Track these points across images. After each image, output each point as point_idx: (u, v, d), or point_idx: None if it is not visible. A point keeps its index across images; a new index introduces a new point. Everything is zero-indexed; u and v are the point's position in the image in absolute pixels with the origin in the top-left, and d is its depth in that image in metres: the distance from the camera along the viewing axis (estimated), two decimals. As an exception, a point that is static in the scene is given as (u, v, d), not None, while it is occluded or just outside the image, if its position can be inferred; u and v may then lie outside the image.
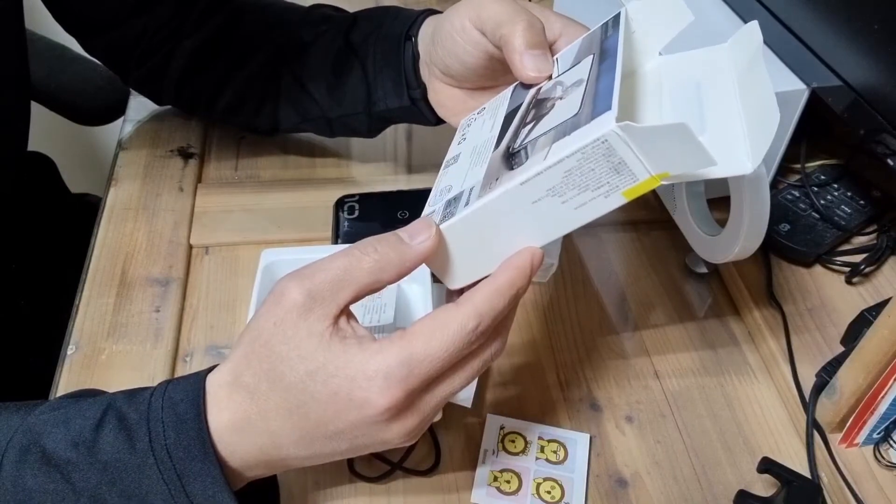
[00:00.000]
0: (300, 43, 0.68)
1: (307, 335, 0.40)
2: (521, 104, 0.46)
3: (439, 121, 0.62)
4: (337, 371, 0.39)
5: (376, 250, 0.41)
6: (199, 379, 0.42)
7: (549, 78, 0.47)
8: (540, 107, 0.44)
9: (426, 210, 0.45)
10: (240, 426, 0.41)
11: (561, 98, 0.42)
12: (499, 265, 0.41)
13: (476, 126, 0.50)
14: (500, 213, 0.40)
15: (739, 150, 0.40)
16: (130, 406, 0.42)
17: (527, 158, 0.39)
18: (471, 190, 0.42)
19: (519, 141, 0.42)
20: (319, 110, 0.68)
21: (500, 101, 0.49)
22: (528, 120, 0.43)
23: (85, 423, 0.42)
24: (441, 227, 0.42)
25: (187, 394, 0.42)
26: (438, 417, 0.52)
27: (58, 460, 0.41)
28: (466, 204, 0.41)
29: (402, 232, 0.42)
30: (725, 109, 0.42)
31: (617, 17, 0.45)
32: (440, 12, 0.59)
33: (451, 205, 0.42)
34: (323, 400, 0.40)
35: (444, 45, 0.54)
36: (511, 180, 0.39)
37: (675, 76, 0.46)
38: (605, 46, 0.44)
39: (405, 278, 0.42)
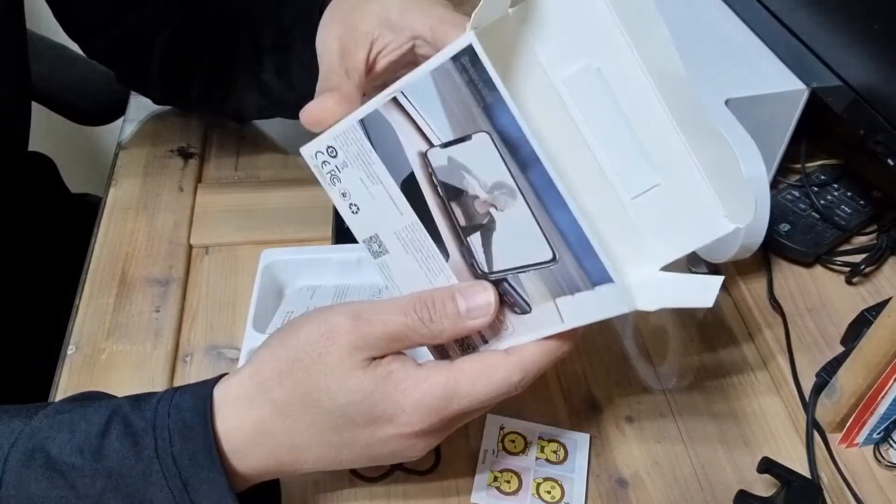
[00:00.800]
0: (252, 28, 0.67)
1: (351, 369, 0.41)
2: (416, 174, 0.41)
3: None
4: (384, 398, 0.41)
5: (432, 320, 0.41)
6: (207, 388, 0.43)
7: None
8: (464, 206, 0.41)
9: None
10: (258, 438, 0.42)
11: (494, 207, 0.39)
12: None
13: (351, 180, 0.43)
14: None
15: (712, 207, 0.38)
16: (136, 413, 0.42)
17: (530, 308, 0.41)
18: None
19: (483, 262, 0.41)
20: (276, 96, 0.68)
21: (361, 152, 0.42)
22: (463, 223, 0.41)
23: (90, 428, 0.41)
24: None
25: (195, 401, 0.42)
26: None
27: (62, 466, 0.41)
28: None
29: (461, 302, 0.41)
30: (669, 145, 0.38)
31: (475, 57, 0.36)
32: None
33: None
34: (362, 423, 0.41)
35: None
36: (529, 334, 0.42)
37: (579, 90, 0.39)
38: (498, 124, 0.37)
39: None
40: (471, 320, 0.41)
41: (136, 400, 0.43)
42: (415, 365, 0.42)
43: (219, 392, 0.42)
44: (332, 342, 0.41)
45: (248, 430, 0.42)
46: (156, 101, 0.78)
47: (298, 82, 0.66)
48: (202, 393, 0.42)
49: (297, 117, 0.69)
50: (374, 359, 0.41)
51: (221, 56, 0.69)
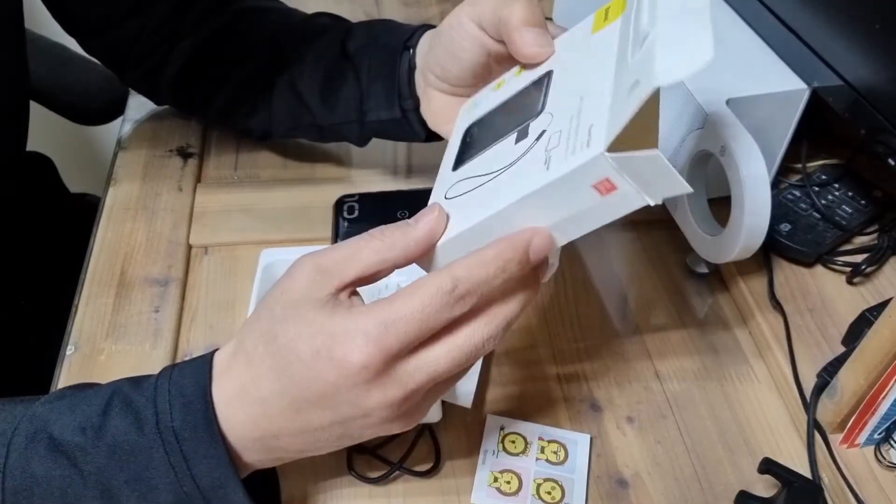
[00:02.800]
0: (297, 50, 0.67)
1: (307, 300, 0.41)
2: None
3: (429, 136, 0.62)
4: (322, 329, 0.40)
5: (383, 233, 0.42)
6: (205, 360, 0.43)
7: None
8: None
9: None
10: (234, 396, 0.42)
11: None
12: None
13: None
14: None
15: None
16: (136, 391, 0.43)
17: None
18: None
19: None
20: (312, 117, 0.68)
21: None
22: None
23: (91, 409, 0.42)
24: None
25: (193, 375, 0.42)
26: (437, 418, 0.53)
27: (65, 445, 0.41)
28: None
29: (410, 219, 0.43)
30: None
31: None
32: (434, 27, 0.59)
33: None
34: (306, 359, 0.40)
35: (443, 45, 0.54)
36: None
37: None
38: None
39: (406, 274, 0.43)
40: (420, 224, 0.42)
41: (136, 380, 0.44)
42: (362, 301, 0.42)
43: (215, 358, 0.43)
44: (292, 276, 0.42)
45: (227, 389, 0.42)
46: (157, 104, 0.78)
47: (341, 107, 0.66)
48: (200, 366, 0.43)
49: (323, 139, 0.70)
50: (333, 296, 0.41)
51: (257, 76, 0.69)
